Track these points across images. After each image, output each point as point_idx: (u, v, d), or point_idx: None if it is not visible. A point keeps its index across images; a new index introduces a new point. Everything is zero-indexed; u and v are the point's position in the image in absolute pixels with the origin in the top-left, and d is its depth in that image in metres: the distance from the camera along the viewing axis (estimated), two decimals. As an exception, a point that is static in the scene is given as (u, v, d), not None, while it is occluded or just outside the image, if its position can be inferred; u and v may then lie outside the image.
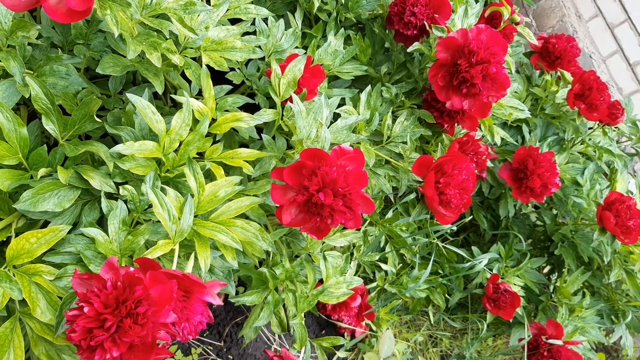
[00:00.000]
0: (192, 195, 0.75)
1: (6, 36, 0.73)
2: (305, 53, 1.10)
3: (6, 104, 0.72)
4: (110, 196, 0.76)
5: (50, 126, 0.74)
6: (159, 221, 0.72)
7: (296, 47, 1.06)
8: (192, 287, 0.64)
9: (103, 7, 0.63)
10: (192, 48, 0.83)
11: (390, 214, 1.25)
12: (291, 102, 0.93)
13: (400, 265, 1.35)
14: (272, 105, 1.03)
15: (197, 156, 0.82)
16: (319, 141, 0.79)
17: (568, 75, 1.36)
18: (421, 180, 0.94)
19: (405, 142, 1.06)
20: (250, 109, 1.00)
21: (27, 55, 0.78)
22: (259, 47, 0.96)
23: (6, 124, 0.70)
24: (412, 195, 1.18)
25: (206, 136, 0.80)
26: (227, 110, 0.91)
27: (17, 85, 0.72)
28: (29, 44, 0.80)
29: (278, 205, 0.74)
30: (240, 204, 0.80)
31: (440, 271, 1.37)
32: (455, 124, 1.11)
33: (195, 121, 0.80)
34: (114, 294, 0.57)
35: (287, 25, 1.11)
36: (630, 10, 2.68)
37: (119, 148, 0.69)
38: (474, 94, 0.98)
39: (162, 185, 0.72)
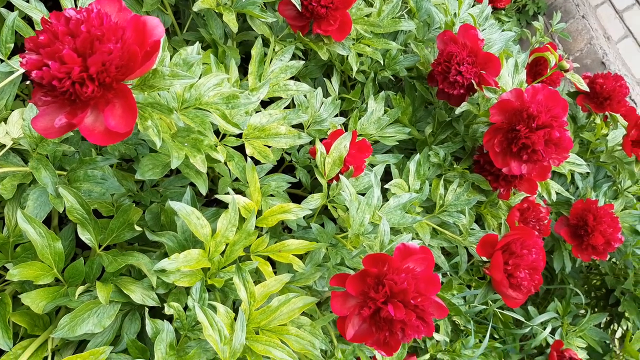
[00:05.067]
0: (241, 302, 0.68)
1: (36, 143, 0.68)
2: (346, 121, 1.04)
3: (37, 217, 0.67)
4: (151, 307, 0.69)
5: (86, 236, 0.68)
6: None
7: (335, 115, 0.99)
8: None
9: (144, 118, 0.56)
10: (233, 136, 0.77)
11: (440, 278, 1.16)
12: (337, 180, 0.86)
13: (452, 330, 1.25)
14: (315, 184, 0.96)
15: (242, 253, 0.75)
16: (378, 236, 0.71)
17: (621, 119, 1.28)
18: (486, 260, 0.86)
19: (460, 211, 0.97)
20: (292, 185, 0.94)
21: (58, 155, 0.73)
22: (301, 124, 0.90)
23: (39, 241, 0.64)
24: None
25: (252, 230, 0.74)
26: (271, 195, 0.84)
27: (49, 197, 0.66)
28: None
29: (339, 315, 0.66)
30: (293, 306, 0.72)
31: (496, 335, 1.27)
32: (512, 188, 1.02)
33: (241, 217, 0.73)
34: None
35: (323, 90, 1.05)
36: (663, 29, 2.59)
37: (163, 264, 0.63)
38: (536, 160, 0.89)
39: (210, 302, 0.65)
